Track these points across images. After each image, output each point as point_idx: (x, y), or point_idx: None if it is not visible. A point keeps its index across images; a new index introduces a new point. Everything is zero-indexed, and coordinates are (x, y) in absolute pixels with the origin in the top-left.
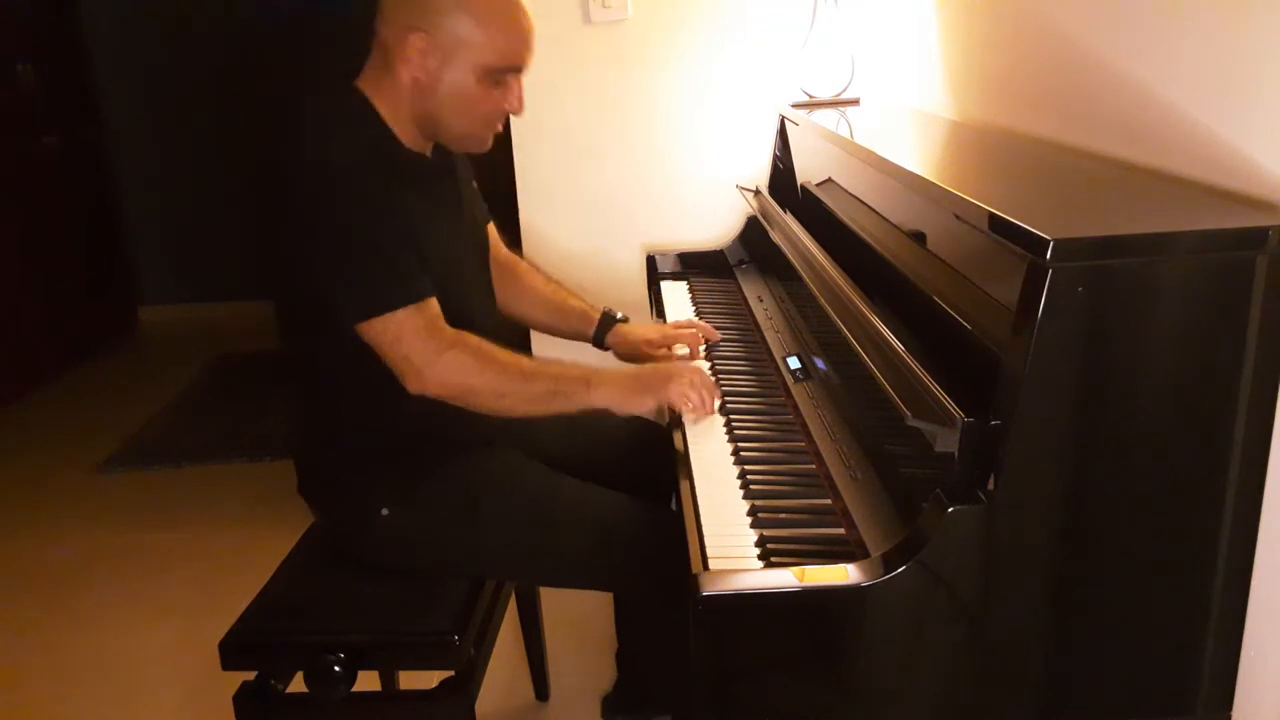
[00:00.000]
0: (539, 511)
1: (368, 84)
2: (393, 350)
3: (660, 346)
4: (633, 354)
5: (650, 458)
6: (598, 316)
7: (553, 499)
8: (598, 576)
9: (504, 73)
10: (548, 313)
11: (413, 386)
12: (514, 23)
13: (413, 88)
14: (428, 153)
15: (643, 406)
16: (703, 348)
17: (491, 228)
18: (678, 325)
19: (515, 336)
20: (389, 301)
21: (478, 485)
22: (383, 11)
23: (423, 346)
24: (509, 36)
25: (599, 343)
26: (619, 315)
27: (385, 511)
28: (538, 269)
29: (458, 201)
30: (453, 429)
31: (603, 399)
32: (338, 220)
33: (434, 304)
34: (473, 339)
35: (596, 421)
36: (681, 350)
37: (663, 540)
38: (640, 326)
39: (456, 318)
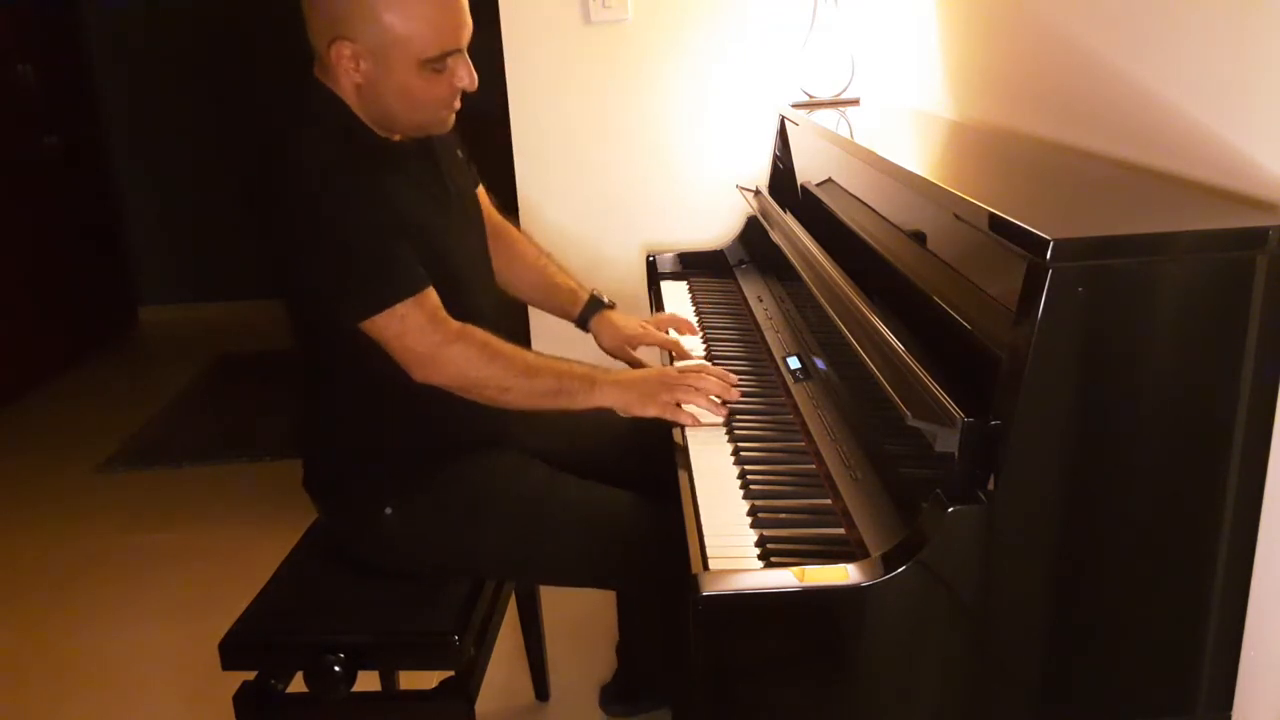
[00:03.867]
0: (541, 510)
1: (325, 77)
2: (397, 344)
3: (640, 344)
4: (615, 349)
5: (655, 454)
6: (585, 298)
7: (554, 498)
8: (600, 574)
9: (443, 58)
10: (533, 286)
11: (418, 376)
12: (437, 7)
13: (356, 92)
14: (396, 136)
15: (645, 412)
16: (701, 349)
17: (482, 193)
18: (659, 321)
19: (515, 326)
20: (387, 297)
21: (480, 485)
22: (306, 20)
23: (428, 339)
24: (437, 23)
25: (582, 324)
26: (606, 300)
27: (389, 511)
28: (530, 240)
29: (439, 178)
30: (456, 429)
31: (606, 399)
32: (324, 221)
33: (432, 294)
34: (479, 332)
35: (600, 418)
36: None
37: (665, 537)
38: (625, 319)
39: (456, 291)
